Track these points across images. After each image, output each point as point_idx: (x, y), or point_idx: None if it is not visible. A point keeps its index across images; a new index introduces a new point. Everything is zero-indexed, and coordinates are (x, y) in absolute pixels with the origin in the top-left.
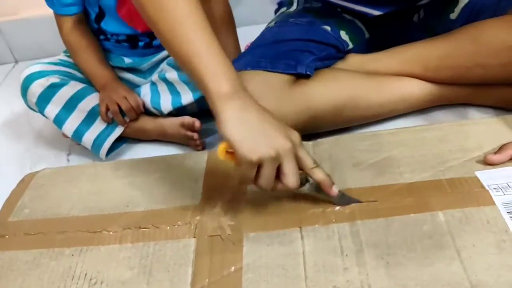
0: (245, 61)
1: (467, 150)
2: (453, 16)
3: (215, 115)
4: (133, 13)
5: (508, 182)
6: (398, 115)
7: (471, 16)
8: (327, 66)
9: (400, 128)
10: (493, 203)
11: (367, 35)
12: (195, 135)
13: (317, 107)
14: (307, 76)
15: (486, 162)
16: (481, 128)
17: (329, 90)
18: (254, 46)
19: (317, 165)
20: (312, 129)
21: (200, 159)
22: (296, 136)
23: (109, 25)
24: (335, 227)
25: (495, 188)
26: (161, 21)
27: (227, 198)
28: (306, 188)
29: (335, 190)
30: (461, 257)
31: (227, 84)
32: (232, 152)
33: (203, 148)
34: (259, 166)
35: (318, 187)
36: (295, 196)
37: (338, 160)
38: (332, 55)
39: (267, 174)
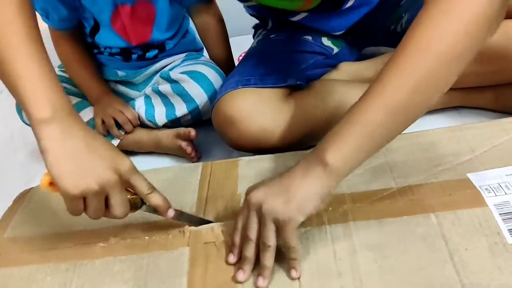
0: (235, 80)
1: (459, 154)
2: None
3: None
4: (127, 27)
5: (499, 182)
6: None
7: None
8: (319, 75)
9: None
10: (485, 205)
11: (349, 36)
12: (188, 149)
13: (314, 120)
14: (298, 87)
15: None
16: (472, 132)
17: (325, 102)
18: (241, 65)
19: (152, 190)
20: (310, 140)
21: (195, 170)
22: (125, 164)
23: (103, 38)
24: (328, 228)
25: (486, 189)
26: None
27: (221, 206)
28: (143, 209)
29: (170, 214)
30: (454, 261)
31: (47, 108)
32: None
33: (199, 159)
34: (85, 197)
35: (155, 209)
36: None
37: None
38: (320, 62)
39: (93, 207)
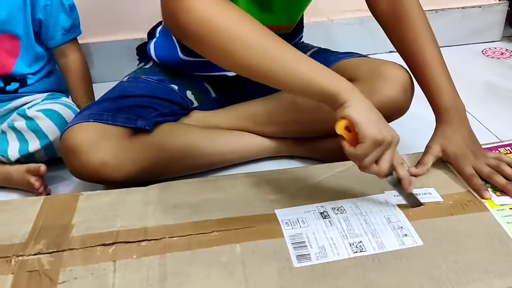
0: (89, 112)
1: (271, 193)
2: None
3: (339, 105)
4: None
5: (298, 217)
6: (233, 164)
7: None
8: (171, 121)
9: (221, 176)
10: (282, 236)
11: (213, 94)
12: (37, 184)
13: (154, 157)
14: (146, 130)
15: (411, 175)
16: (288, 176)
17: (167, 142)
18: (101, 99)
19: (403, 163)
20: (153, 176)
21: (36, 202)
22: (398, 136)
23: None
24: (146, 260)
25: (286, 223)
26: (261, 64)
27: (52, 236)
28: (388, 179)
29: (411, 188)
30: (248, 282)
31: (343, 81)
32: (349, 130)
33: (48, 195)
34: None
35: (397, 181)
36: (116, 232)
37: (163, 201)
38: (176, 111)
39: (374, 156)
